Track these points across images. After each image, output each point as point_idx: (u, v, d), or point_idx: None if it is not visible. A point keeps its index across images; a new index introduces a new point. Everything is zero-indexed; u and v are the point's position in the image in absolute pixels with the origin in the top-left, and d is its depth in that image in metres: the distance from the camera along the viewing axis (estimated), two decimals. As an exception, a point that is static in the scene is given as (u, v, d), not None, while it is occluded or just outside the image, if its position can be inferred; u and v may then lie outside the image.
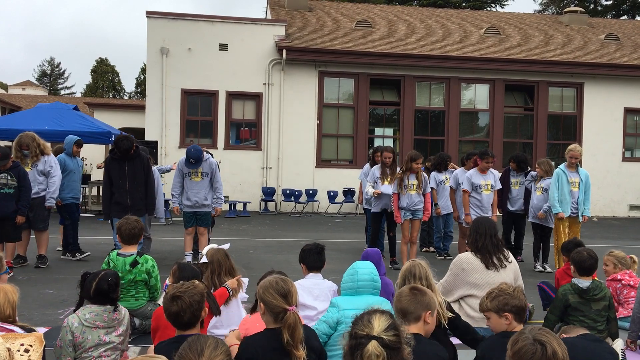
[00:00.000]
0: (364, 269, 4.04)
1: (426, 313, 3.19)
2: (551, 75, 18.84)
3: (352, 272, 4.03)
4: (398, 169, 8.74)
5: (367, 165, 10.09)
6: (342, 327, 3.71)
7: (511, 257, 5.42)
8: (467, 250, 5.52)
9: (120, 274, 4.81)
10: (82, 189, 9.47)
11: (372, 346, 2.33)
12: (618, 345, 3.77)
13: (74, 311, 3.70)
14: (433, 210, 9.80)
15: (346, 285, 4.01)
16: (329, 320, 3.78)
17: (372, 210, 8.94)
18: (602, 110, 19.07)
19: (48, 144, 8.57)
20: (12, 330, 3.39)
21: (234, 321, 4.53)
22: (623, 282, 5.68)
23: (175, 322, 3.18)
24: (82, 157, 10.27)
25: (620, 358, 3.67)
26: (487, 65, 18.37)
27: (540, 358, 2.33)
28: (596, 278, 4.94)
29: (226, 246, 4.89)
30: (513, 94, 19.45)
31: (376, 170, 8.96)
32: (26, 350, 3.03)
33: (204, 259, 4.75)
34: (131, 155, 7.91)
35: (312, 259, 4.76)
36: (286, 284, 3.14)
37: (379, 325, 2.40)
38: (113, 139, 14.07)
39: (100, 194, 18.55)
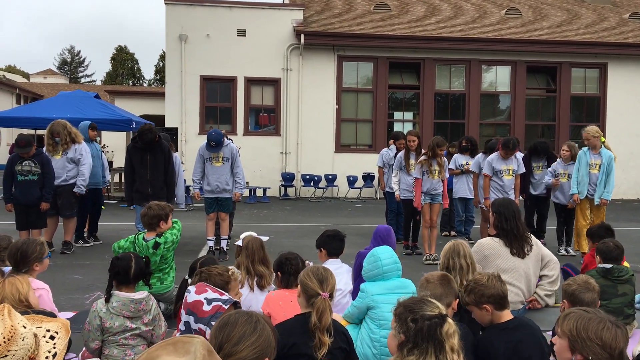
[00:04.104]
0: (385, 254, 4.05)
1: (456, 300, 3.39)
2: (574, 56, 18.49)
3: (374, 260, 4.03)
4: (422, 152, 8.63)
5: (386, 150, 10.04)
6: (372, 311, 3.83)
7: (534, 240, 5.34)
8: (489, 235, 5.47)
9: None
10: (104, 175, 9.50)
11: (450, 322, 2.39)
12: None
13: (105, 292, 3.78)
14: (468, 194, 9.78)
15: (371, 274, 4.03)
16: (360, 305, 3.93)
17: (403, 197, 8.76)
18: (626, 91, 18.68)
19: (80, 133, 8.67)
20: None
21: (252, 307, 4.56)
22: None
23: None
24: (103, 145, 10.38)
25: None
26: (509, 46, 18.09)
27: (622, 335, 2.34)
28: (625, 264, 4.85)
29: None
30: (535, 75, 19.15)
31: (402, 157, 8.87)
32: (52, 337, 3.06)
33: (239, 242, 4.80)
34: (153, 145, 7.98)
35: (334, 246, 4.93)
36: (326, 273, 3.25)
37: (438, 306, 2.47)
38: (134, 126, 14.24)
39: (122, 180, 18.76)
